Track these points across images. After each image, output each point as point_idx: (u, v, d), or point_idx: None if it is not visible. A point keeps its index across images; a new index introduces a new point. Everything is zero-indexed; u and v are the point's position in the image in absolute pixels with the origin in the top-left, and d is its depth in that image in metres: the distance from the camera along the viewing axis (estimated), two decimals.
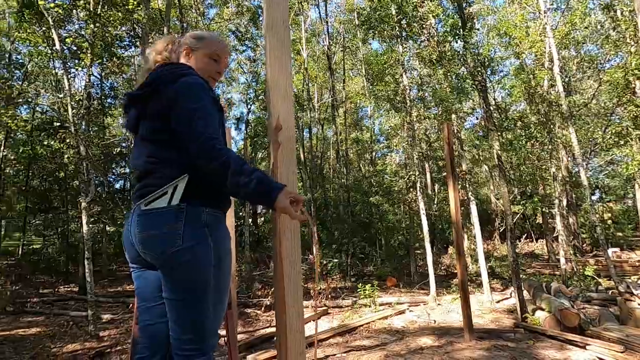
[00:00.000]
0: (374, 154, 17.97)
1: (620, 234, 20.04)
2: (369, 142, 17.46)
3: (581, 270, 9.54)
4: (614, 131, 10.52)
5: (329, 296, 7.83)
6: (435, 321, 5.76)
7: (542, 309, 5.22)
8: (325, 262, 11.79)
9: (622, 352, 3.76)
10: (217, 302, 1.20)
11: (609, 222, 18.06)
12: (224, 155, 1.08)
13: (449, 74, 7.63)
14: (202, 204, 1.18)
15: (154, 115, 1.21)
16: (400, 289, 9.05)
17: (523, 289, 5.73)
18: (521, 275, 5.66)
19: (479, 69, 5.66)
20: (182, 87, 1.18)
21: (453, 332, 5.07)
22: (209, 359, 1.20)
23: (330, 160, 21.88)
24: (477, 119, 8.69)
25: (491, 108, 5.76)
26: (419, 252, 13.36)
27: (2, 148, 11.86)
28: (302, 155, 13.06)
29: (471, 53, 5.80)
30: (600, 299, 6.51)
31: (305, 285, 9.68)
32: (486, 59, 5.78)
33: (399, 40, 8.50)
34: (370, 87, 14.77)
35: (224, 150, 1.10)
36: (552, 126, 8.76)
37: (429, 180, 13.87)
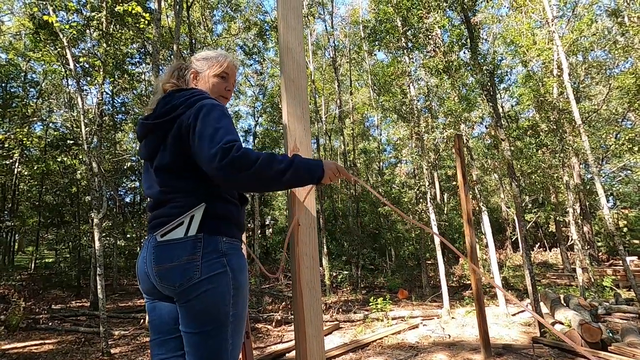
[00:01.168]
0: (381, 163, 17.93)
1: (636, 241, 19.55)
2: (376, 152, 17.44)
3: (598, 281, 9.28)
4: (626, 137, 10.35)
5: (340, 310, 7.72)
6: (449, 336, 5.62)
7: (562, 323, 5.06)
8: (335, 274, 11.68)
9: None
10: (235, 333, 1.17)
11: (625, 229, 17.66)
12: (250, 152, 1.05)
13: (456, 84, 7.62)
14: (220, 233, 1.16)
15: (174, 143, 1.18)
16: (412, 301, 8.88)
17: (540, 301, 5.58)
18: (537, 287, 5.52)
19: (487, 78, 5.63)
20: (201, 110, 1.15)
21: (468, 348, 4.93)
22: None
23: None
24: (486, 127, 8.61)
25: (501, 117, 5.70)
26: (429, 262, 13.16)
27: (17, 164, 12.12)
28: None
29: (478, 63, 5.79)
30: (621, 311, 6.30)
31: None
32: (494, 68, 5.75)
33: (405, 51, 8.54)
34: (377, 97, 14.85)
35: (247, 150, 1.06)
36: (563, 133, 8.64)
37: (437, 190, 13.75)
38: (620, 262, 12.37)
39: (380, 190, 15.25)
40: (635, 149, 9.65)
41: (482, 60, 5.80)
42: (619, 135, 12.44)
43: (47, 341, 5.80)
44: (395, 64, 9.49)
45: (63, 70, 9.30)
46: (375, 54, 16.78)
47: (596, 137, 13.29)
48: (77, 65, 7.74)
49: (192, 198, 1.16)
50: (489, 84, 5.75)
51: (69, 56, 6.04)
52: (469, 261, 4.35)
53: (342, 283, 11.17)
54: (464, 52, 8.11)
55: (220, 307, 1.12)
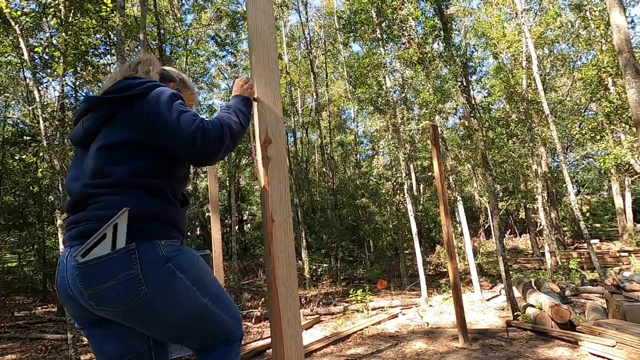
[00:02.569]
0: (358, 156, 18.01)
1: (598, 225, 20.74)
2: (353, 145, 17.50)
3: (565, 264, 9.76)
4: (589, 126, 10.86)
5: (321, 303, 7.72)
6: (428, 324, 5.73)
7: (533, 306, 5.25)
8: (314, 267, 11.68)
9: (613, 347, 3.80)
10: (222, 304, 1.13)
11: (587, 214, 18.67)
12: (211, 123, 1.06)
13: (430, 75, 7.70)
14: (155, 236, 1.01)
15: (124, 122, 1.06)
16: (391, 291, 9.02)
17: (512, 285, 5.77)
18: (510, 272, 5.71)
19: (460, 69, 5.70)
20: (162, 95, 1.07)
21: (446, 334, 5.04)
22: (237, 354, 1.14)
23: (315, 164, 21.82)
24: (460, 118, 8.79)
25: (474, 108, 5.81)
26: (407, 252, 13.41)
27: None
28: (287, 160, 12.93)
29: (452, 54, 5.84)
30: (587, 292, 6.64)
31: None
32: (467, 60, 5.83)
33: (380, 42, 8.53)
34: (353, 89, 14.84)
35: (209, 122, 1.06)
36: (532, 124, 8.94)
37: (414, 181, 13.98)
38: (585, 245, 13.08)
39: (357, 182, 15.35)
40: (598, 137, 10.14)
41: (456, 52, 5.86)
42: (582, 125, 13.05)
43: (10, 351, 5.45)
44: (370, 55, 9.48)
45: (18, 61, 8.67)
46: (350, 46, 16.72)
47: (561, 127, 13.88)
48: (33, 56, 7.21)
49: (118, 196, 0.99)
50: (463, 75, 5.82)
51: (22, 46, 5.60)
52: (448, 255, 4.37)
53: (322, 276, 11.19)
54: (438, 44, 8.19)
55: (185, 305, 1.03)
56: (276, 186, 1.15)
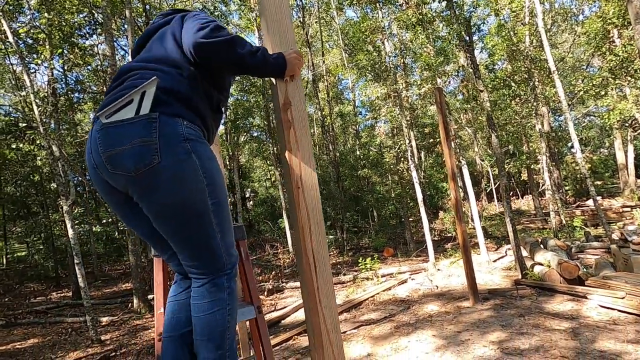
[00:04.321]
0: (358, 126, 17.79)
1: (599, 182, 20.81)
2: (352, 115, 17.22)
3: (569, 222, 9.85)
4: (593, 82, 10.61)
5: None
6: (437, 287, 5.84)
7: (541, 264, 5.32)
8: None
9: (622, 298, 3.86)
10: (221, 221, 1.07)
11: (589, 172, 18.69)
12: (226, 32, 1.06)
13: (431, 36, 7.41)
14: (178, 114, 1.00)
15: (168, 31, 1.15)
16: (398, 258, 9.16)
17: (520, 245, 5.83)
18: (517, 233, 5.75)
19: (464, 28, 5.46)
20: (190, 12, 1.19)
21: (457, 296, 5.14)
22: (230, 278, 1.08)
23: (315, 137, 21.57)
24: (462, 80, 8.55)
25: (478, 68, 5.61)
26: (410, 220, 13.52)
27: None
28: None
29: (454, 12, 5.58)
30: (592, 248, 6.72)
31: None
32: (470, 17, 5.57)
33: (376, 5, 8.16)
34: (350, 58, 14.39)
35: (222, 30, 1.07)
36: (536, 82, 8.72)
37: (414, 148, 13.88)
38: (587, 203, 13.15)
39: (358, 153, 15.23)
40: (602, 93, 9.93)
41: (459, 10, 5.59)
42: (584, 82, 12.76)
43: (31, 336, 5.59)
44: (367, 19, 9.10)
45: (3, 47, 8.34)
46: (344, 10, 16.06)
47: (563, 84, 13.58)
48: (17, 40, 6.91)
49: (154, 70, 1.04)
50: (466, 34, 5.59)
51: (5, 28, 5.34)
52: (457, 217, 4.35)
53: (328, 247, 11.34)
54: (438, 3, 7.83)
55: (195, 197, 1.00)
56: (300, 150, 1.08)
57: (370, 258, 7.16)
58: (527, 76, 9.43)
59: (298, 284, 7.17)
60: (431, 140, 12.74)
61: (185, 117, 1.01)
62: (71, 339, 5.22)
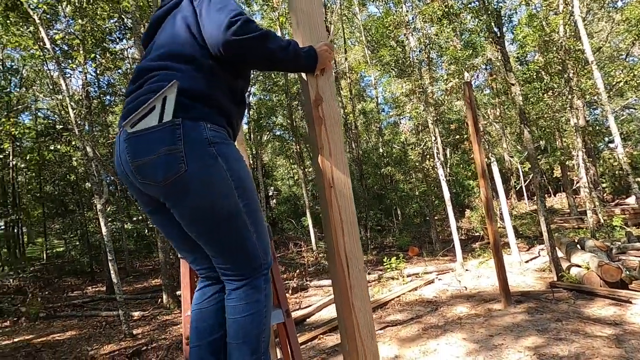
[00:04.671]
0: (380, 124, 17.56)
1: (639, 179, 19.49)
2: (374, 113, 17.02)
3: (608, 221, 9.30)
4: (634, 73, 9.95)
5: None
6: (466, 288, 5.66)
7: (579, 266, 5.04)
8: None
9: None
10: (255, 222, 1.05)
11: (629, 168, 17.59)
12: (254, 23, 1.01)
13: (457, 29, 7.17)
14: (201, 117, 0.99)
15: (179, 17, 1.10)
16: (424, 257, 8.97)
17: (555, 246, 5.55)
18: (552, 232, 5.47)
19: (494, 19, 5.24)
20: None
21: (487, 298, 4.96)
22: (267, 280, 1.07)
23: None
24: (490, 74, 8.22)
25: (509, 60, 5.37)
26: (435, 218, 13.21)
27: (11, 157, 11.85)
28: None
29: (484, 3, 5.36)
30: (635, 249, 6.31)
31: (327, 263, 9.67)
32: (501, 8, 5.33)
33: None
34: (372, 54, 14.19)
35: (253, 20, 1.02)
36: (571, 74, 8.27)
37: (439, 145, 13.55)
38: (626, 201, 12.38)
39: (381, 151, 15.03)
40: None
41: (488, 1, 5.36)
42: (623, 73, 11.99)
43: (69, 328, 5.87)
44: (390, 14, 8.91)
45: (41, 53, 8.80)
46: (367, 6, 15.88)
47: (601, 75, 12.82)
48: (54, 46, 7.26)
49: (171, 70, 1.01)
50: (496, 25, 5.36)
51: (43, 35, 5.61)
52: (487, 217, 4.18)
53: None
54: None
55: (224, 200, 0.99)
56: (332, 148, 1.04)
57: (395, 257, 7.04)
58: (560, 68, 8.96)
59: (322, 282, 7.16)
60: (457, 136, 12.38)
61: (208, 119, 1.00)
62: (105, 332, 5.44)
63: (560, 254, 5.99)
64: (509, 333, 3.55)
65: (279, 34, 12.77)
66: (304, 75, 1.09)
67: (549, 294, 4.67)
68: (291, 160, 19.18)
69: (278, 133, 17.05)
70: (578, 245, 5.94)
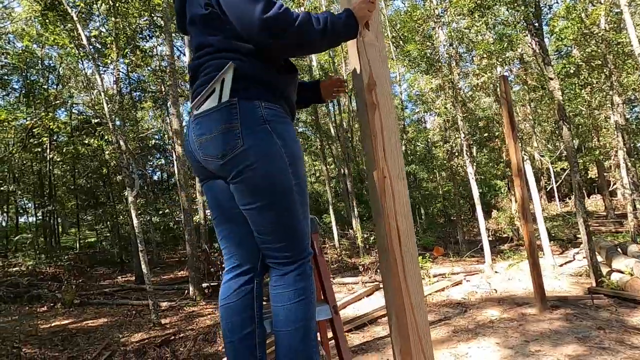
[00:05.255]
0: (404, 121, 17.26)
1: None
2: (399, 109, 16.73)
3: None
4: None
5: (378, 270, 7.68)
6: (496, 291, 5.45)
7: (621, 272, 4.75)
8: (366, 235, 11.64)
9: None
10: (303, 204, 1.06)
11: None
12: (290, 11, 0.97)
13: (489, 22, 6.88)
14: (256, 96, 1.02)
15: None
16: (450, 258, 8.74)
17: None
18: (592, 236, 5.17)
19: (532, 9, 4.97)
20: None
21: (520, 302, 4.75)
22: (311, 268, 1.08)
23: (359, 133, 21.31)
24: (526, 69, 7.86)
25: (548, 54, 5.10)
26: (461, 218, 12.85)
27: (48, 151, 12.44)
28: (332, 130, 12.73)
29: None
30: None
31: (351, 261, 9.61)
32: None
33: None
34: (396, 50, 13.92)
35: (287, 8, 0.97)
36: (613, 69, 7.80)
37: (469, 143, 13.15)
38: None
39: (404, 148, 14.75)
40: None
41: None
42: None
43: (102, 315, 6.10)
44: (417, 8, 8.68)
45: (77, 51, 9.15)
46: (392, 2, 15.57)
47: None
48: (89, 44, 7.52)
49: (220, 60, 1.03)
50: (534, 16, 5.10)
51: (80, 31, 5.81)
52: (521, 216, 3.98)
53: (374, 244, 11.14)
54: None
55: (279, 176, 1.01)
56: (386, 136, 0.98)
57: (420, 257, 6.89)
58: (600, 62, 8.47)
59: (345, 279, 7.10)
60: (485, 134, 11.98)
61: (262, 97, 1.03)
62: (135, 320, 5.60)
63: (599, 258, 5.67)
64: (546, 339, 3.38)
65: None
66: (355, 58, 1.04)
67: (587, 300, 4.43)
68: (313, 157, 19.17)
69: (301, 130, 17.07)
70: (619, 250, 5.60)
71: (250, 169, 0.99)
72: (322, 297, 1.17)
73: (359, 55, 1.01)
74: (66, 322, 5.76)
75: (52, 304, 6.73)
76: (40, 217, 14.02)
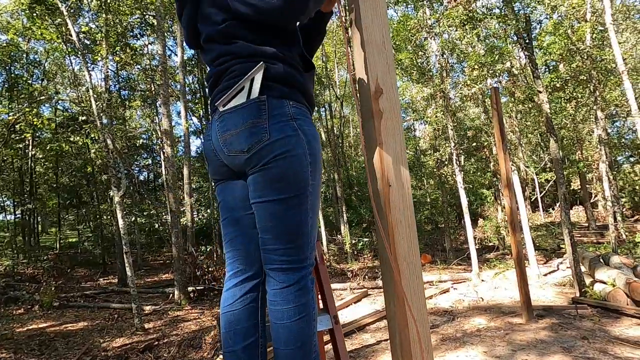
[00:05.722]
0: None
1: None
2: None
3: (630, 237, 8.99)
4: None
5: (366, 277, 7.67)
6: (483, 299, 5.51)
7: (603, 282, 4.86)
8: (354, 241, 11.64)
9: None
10: (313, 207, 1.06)
11: None
12: None
13: (481, 34, 7.03)
14: (284, 95, 1.05)
15: (213, 5, 1.09)
16: (437, 265, 8.80)
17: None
18: (576, 246, 5.28)
19: (523, 24, 5.10)
20: None
21: (507, 311, 4.81)
22: (312, 280, 1.05)
23: (350, 138, 21.36)
24: (512, 82, 8.04)
25: (537, 67, 5.22)
26: (449, 226, 12.98)
27: (30, 147, 12.08)
28: (323, 135, 12.74)
29: (512, 8, 5.23)
30: None
31: (339, 267, 9.57)
32: (531, 12, 5.18)
33: (424, 2, 7.89)
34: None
35: None
36: (597, 84, 8.05)
37: (458, 152, 13.35)
38: None
39: None
40: None
41: (518, 6, 5.22)
42: None
43: (81, 319, 5.90)
44: (410, 18, 8.81)
45: (64, 47, 8.94)
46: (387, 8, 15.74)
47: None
48: (79, 40, 7.37)
49: (246, 64, 1.05)
50: (524, 31, 5.22)
51: (70, 26, 5.68)
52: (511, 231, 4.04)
53: (362, 250, 11.15)
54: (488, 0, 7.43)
55: (299, 172, 1.01)
56: (391, 145, 0.97)
57: None
58: (585, 78, 8.73)
59: (341, 285, 7.06)
60: (474, 144, 12.17)
61: (290, 97, 1.06)
62: (117, 324, 5.44)
63: (583, 268, 5.79)
64: (532, 349, 3.41)
65: None
66: (361, 61, 1.02)
67: (572, 309, 4.51)
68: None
69: None
70: (602, 261, 5.73)
71: (274, 160, 1.00)
72: (323, 307, 1.15)
73: (366, 62, 1.00)
74: (44, 325, 5.55)
75: (29, 306, 6.49)
76: (19, 216, 13.55)
